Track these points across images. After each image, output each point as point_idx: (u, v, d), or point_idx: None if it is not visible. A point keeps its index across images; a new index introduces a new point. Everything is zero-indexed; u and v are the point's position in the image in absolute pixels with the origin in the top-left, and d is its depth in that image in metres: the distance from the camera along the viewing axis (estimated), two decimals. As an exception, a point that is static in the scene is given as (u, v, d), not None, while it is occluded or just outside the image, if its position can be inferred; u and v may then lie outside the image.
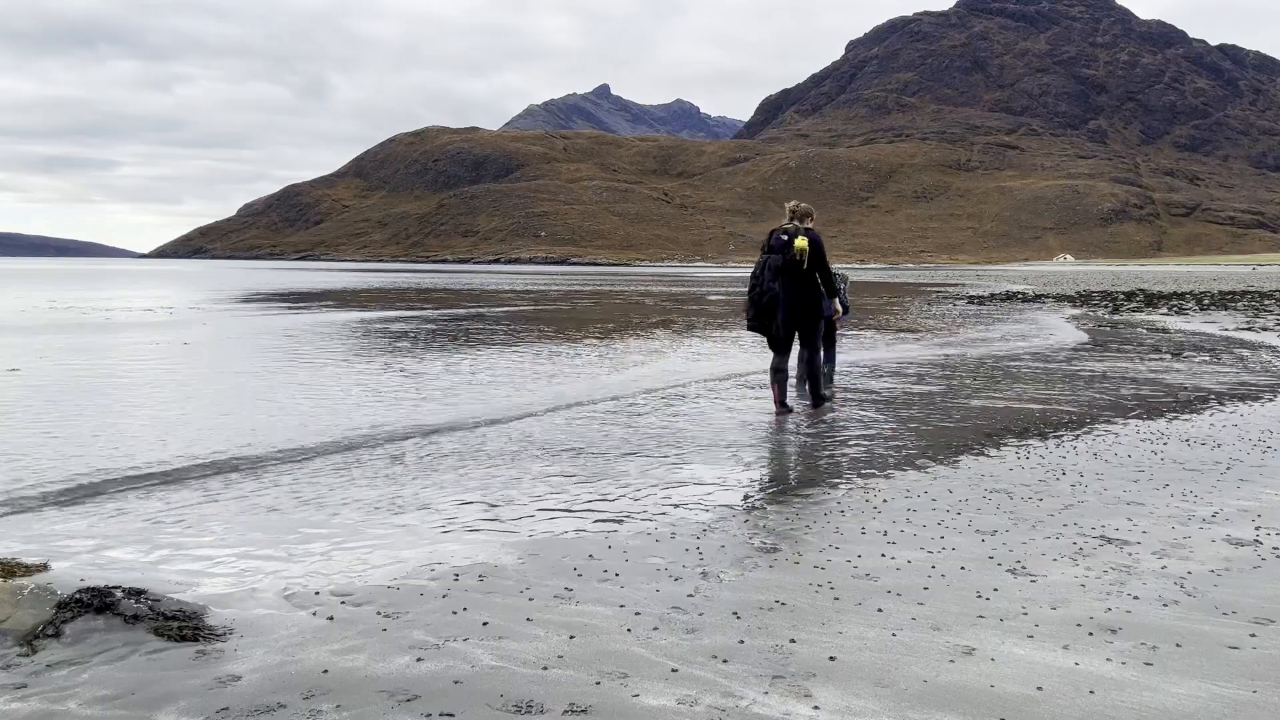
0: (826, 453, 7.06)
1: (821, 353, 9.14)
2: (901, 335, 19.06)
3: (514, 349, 15.01)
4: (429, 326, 20.31)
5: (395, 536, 4.85)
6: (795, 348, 8.93)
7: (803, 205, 8.78)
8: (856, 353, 14.61)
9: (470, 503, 5.54)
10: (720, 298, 38.38)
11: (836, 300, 9.84)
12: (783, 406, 8.71)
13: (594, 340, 16.73)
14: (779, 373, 8.75)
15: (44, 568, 4.12)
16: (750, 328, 8.91)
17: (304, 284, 53.21)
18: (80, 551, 4.51)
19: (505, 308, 29.01)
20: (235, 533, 4.88)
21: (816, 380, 9.01)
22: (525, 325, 20.88)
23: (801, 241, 8.35)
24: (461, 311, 26.58)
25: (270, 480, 6.09)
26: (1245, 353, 14.76)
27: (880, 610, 3.75)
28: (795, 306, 8.56)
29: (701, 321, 22.80)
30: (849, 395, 9.93)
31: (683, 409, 9.04)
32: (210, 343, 15.72)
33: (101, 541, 4.70)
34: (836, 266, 9.99)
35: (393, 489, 5.86)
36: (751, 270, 8.76)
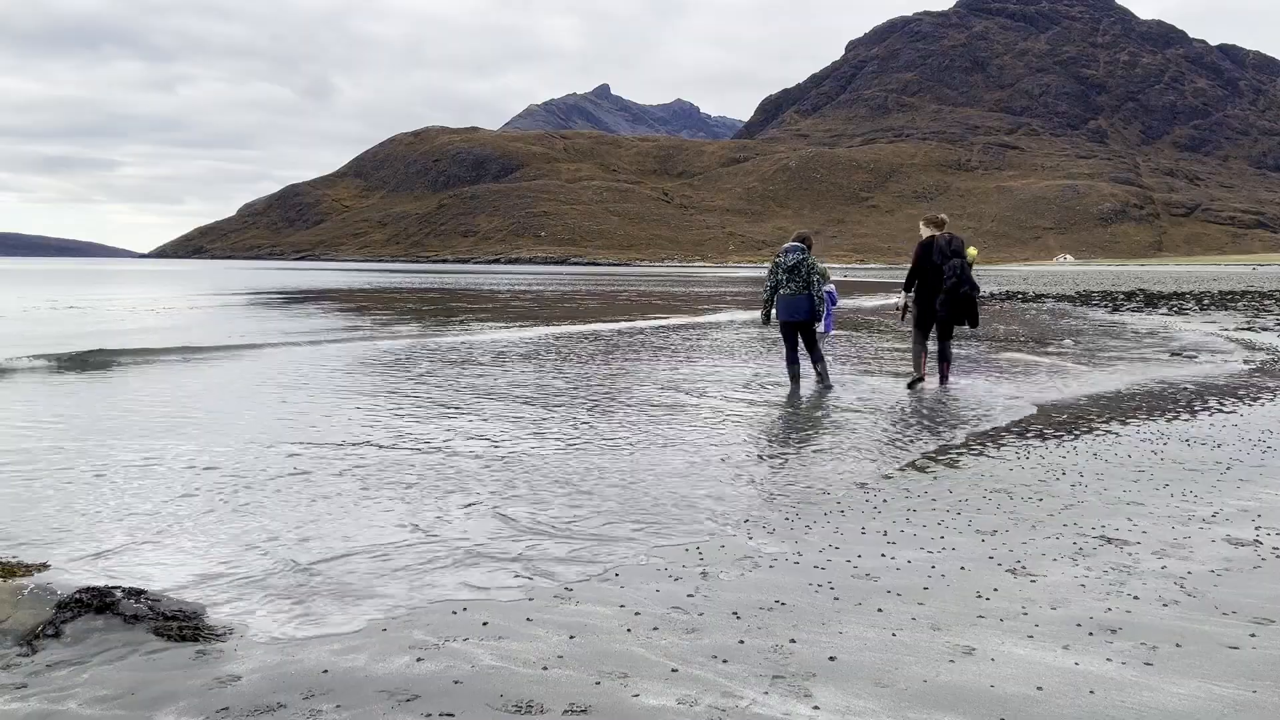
0: (827, 452, 7.06)
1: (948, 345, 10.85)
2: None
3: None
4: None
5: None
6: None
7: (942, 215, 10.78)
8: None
9: (471, 503, 5.53)
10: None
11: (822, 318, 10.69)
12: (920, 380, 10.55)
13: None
14: (933, 354, 10.70)
15: (44, 567, 4.12)
16: (940, 318, 10.45)
17: (317, 285, 53.19)
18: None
19: (592, 323, 21.20)
20: (236, 533, 4.88)
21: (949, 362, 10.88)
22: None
23: (973, 250, 10.43)
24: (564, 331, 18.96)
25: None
26: None
27: (880, 610, 3.75)
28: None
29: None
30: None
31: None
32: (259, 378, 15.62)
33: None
34: (822, 265, 10.62)
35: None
36: (924, 273, 10.39)
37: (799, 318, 10.34)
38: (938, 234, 10.47)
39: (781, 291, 10.36)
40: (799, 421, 8.51)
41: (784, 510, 5.38)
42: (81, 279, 59.64)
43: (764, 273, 10.80)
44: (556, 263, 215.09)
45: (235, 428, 7.84)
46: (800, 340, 10.55)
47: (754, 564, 4.37)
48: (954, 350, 11.46)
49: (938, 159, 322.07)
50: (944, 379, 10.66)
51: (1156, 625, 3.59)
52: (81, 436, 7.40)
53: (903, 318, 10.93)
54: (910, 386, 10.43)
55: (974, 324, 10.55)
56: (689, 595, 3.94)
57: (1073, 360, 13.53)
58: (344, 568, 4.30)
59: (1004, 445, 7.28)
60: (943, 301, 10.32)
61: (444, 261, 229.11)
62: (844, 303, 26.90)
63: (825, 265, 10.70)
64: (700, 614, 3.72)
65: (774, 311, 10.53)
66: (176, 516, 5.12)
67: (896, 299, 10.88)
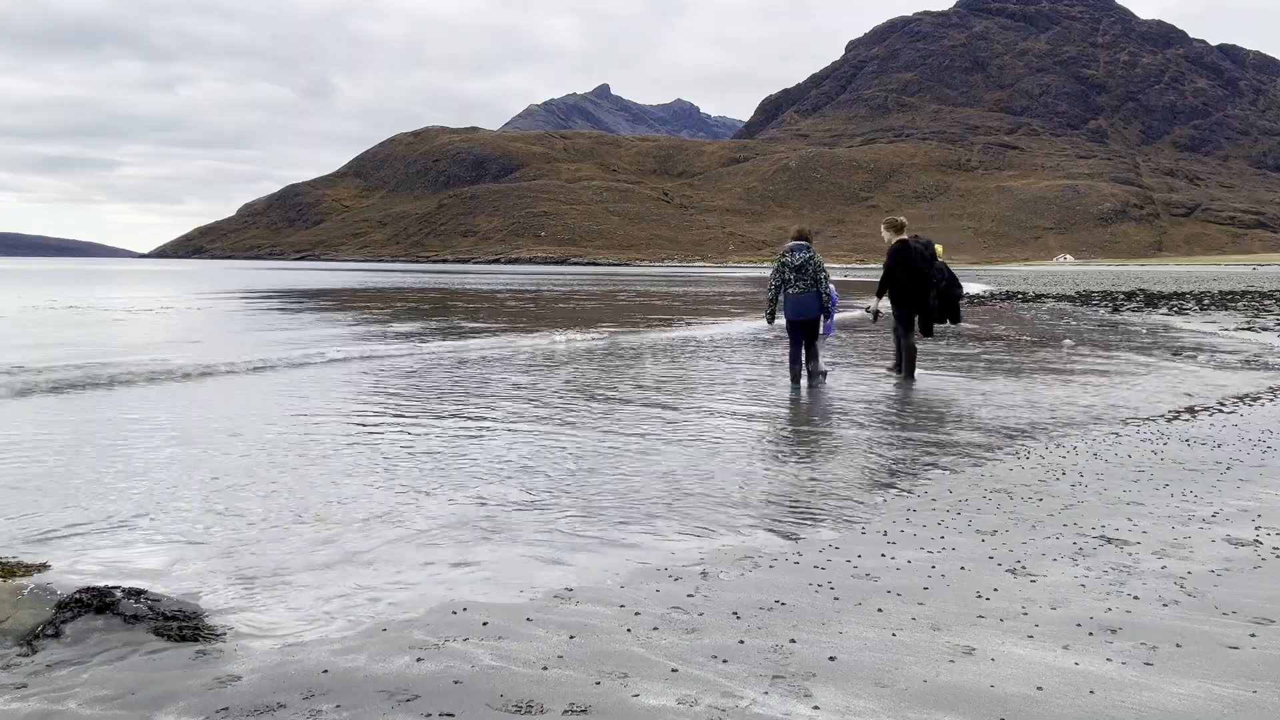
0: (826, 451, 7.06)
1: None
2: None
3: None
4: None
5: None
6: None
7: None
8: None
9: (474, 505, 5.52)
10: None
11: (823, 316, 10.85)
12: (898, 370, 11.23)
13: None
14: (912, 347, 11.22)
15: (44, 567, 4.12)
16: (938, 319, 11.20)
17: (337, 285, 53.16)
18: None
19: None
20: (235, 534, 4.88)
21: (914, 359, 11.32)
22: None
23: (939, 247, 11.10)
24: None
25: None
26: None
27: (880, 610, 3.75)
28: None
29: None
30: None
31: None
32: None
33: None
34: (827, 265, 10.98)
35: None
36: (907, 275, 10.87)
37: (809, 316, 10.38)
38: (908, 237, 11.04)
39: (789, 290, 10.37)
40: (799, 421, 8.51)
41: (784, 510, 5.38)
42: (100, 279, 59.54)
43: (765, 273, 10.89)
44: (556, 263, 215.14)
45: (246, 428, 7.84)
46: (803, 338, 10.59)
47: (754, 564, 4.37)
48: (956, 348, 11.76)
49: (938, 159, 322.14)
50: (909, 373, 11.04)
51: (1156, 625, 3.59)
52: (85, 438, 7.40)
53: (875, 320, 11.50)
54: (905, 378, 11.00)
55: (955, 320, 11.42)
56: (689, 595, 3.94)
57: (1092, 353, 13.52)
58: (345, 568, 4.31)
59: (1004, 445, 7.28)
60: (935, 303, 11.04)
61: (444, 261, 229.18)
62: (841, 302, 26.91)
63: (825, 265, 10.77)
64: (700, 614, 3.71)
65: (779, 311, 10.59)
66: (179, 516, 5.12)
67: (871, 304, 11.34)
